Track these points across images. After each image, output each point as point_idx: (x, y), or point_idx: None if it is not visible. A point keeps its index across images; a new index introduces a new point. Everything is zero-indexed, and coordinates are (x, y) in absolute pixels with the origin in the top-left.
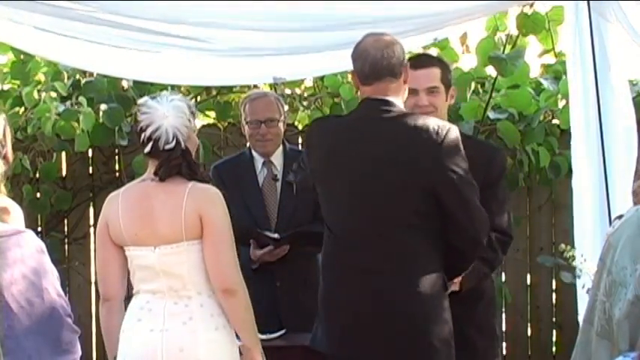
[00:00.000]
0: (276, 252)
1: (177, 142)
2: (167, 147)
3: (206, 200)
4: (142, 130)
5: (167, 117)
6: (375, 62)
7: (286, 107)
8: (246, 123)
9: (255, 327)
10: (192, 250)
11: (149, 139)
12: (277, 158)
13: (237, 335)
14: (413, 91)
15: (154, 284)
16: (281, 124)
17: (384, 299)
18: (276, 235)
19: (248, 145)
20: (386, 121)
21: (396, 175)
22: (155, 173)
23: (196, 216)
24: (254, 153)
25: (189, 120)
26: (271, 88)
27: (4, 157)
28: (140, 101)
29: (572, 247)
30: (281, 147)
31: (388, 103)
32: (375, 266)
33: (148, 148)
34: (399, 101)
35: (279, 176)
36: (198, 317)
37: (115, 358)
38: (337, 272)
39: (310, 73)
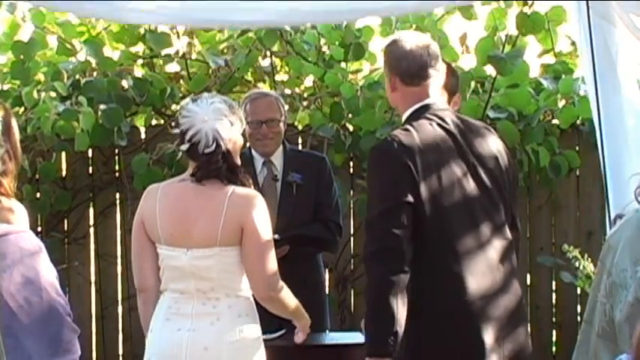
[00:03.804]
0: (277, 252)
1: (218, 146)
2: (207, 151)
3: (248, 209)
4: (183, 133)
5: (207, 121)
6: (422, 63)
7: (286, 107)
8: (247, 123)
9: (296, 310)
10: (224, 255)
11: (189, 142)
12: (277, 158)
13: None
14: None
15: (183, 284)
16: (282, 124)
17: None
18: (276, 236)
19: (248, 144)
20: (468, 132)
21: (495, 182)
22: (193, 175)
23: (236, 225)
24: (254, 153)
25: (231, 122)
26: (271, 88)
27: (6, 156)
28: (182, 103)
29: (576, 247)
30: (281, 147)
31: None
32: (499, 270)
33: (187, 151)
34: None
35: (279, 176)
36: (226, 318)
37: None
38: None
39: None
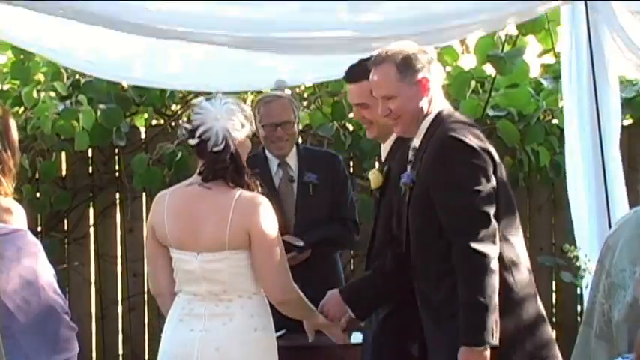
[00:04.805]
0: (300, 257)
1: (227, 145)
2: (215, 149)
3: (254, 213)
4: (194, 129)
5: (218, 119)
6: None
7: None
8: (261, 126)
9: (310, 310)
10: (234, 258)
11: (199, 139)
12: (292, 159)
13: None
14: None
15: (195, 286)
16: (296, 126)
17: None
18: (300, 243)
19: (261, 146)
20: None
21: None
22: (200, 173)
23: (242, 229)
24: (268, 155)
25: (242, 124)
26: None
27: (4, 156)
28: (194, 101)
29: (576, 247)
30: (294, 147)
31: None
32: None
33: (196, 148)
34: None
35: (295, 177)
36: (239, 318)
37: None
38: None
39: (312, 79)
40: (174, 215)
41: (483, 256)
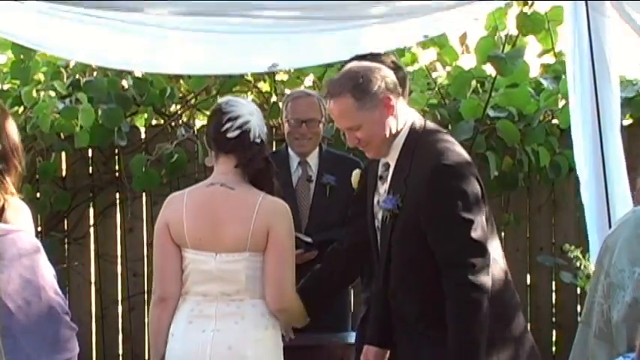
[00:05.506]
0: (305, 255)
1: (262, 140)
2: (257, 140)
3: (276, 216)
4: (231, 120)
5: (253, 114)
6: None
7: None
8: (287, 121)
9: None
10: (252, 260)
11: (239, 129)
12: (313, 159)
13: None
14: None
15: (206, 287)
16: (321, 125)
17: None
18: (309, 240)
19: (285, 143)
20: None
21: None
22: (236, 166)
23: (264, 231)
24: (290, 152)
25: (262, 126)
26: (271, 88)
27: (9, 155)
28: (222, 100)
29: (577, 247)
30: (317, 148)
31: None
32: None
33: (234, 141)
34: None
35: (314, 177)
36: (250, 317)
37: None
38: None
39: (309, 62)
40: (194, 215)
41: (480, 290)
